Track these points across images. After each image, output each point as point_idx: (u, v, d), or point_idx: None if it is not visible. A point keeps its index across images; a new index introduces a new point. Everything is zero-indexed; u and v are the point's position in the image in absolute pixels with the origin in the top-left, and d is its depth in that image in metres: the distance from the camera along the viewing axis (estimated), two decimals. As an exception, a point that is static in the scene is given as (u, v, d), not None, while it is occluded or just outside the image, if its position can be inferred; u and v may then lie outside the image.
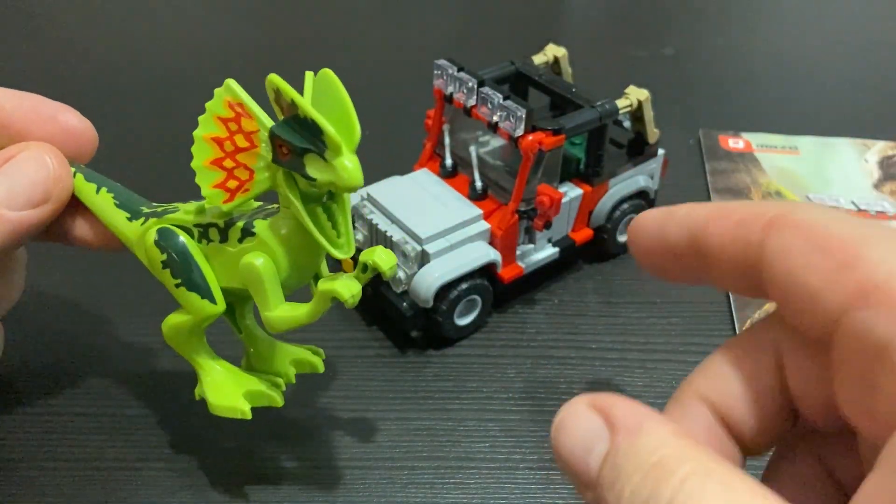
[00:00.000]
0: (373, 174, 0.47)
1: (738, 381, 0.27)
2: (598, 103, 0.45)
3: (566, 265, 0.50)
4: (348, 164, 0.27)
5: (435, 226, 0.43)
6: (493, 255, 0.43)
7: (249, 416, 0.33)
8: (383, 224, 0.44)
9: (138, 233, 0.34)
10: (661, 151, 0.50)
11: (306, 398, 0.41)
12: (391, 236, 0.43)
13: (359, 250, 0.43)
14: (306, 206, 0.29)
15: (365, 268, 0.30)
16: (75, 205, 0.36)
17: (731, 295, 0.47)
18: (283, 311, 0.31)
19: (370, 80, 0.71)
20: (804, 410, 0.25)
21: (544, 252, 0.46)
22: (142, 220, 0.34)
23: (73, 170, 0.35)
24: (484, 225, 0.44)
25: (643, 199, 0.51)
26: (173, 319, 0.34)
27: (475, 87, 0.44)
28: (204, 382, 0.34)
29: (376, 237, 0.44)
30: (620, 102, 0.46)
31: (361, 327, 0.46)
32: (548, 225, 0.44)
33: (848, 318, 0.21)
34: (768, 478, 0.28)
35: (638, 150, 0.49)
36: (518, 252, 0.46)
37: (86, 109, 0.37)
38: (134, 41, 0.79)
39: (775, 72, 0.75)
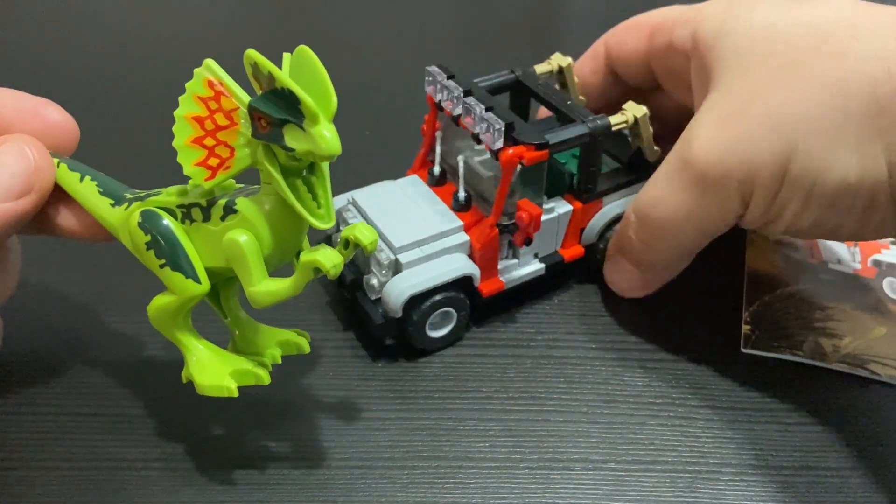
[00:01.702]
0: (372, 176, 0.48)
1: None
2: (590, 119, 0.44)
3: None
4: (326, 133, 0.27)
5: (411, 235, 0.42)
6: (469, 268, 0.42)
7: (236, 394, 0.33)
8: None
9: (122, 218, 0.34)
10: None
11: (306, 398, 0.41)
12: None
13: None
14: (287, 180, 0.29)
15: (347, 244, 0.31)
16: (60, 195, 0.36)
17: (744, 293, 0.47)
18: (266, 286, 0.31)
19: (370, 82, 0.71)
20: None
21: (528, 268, 0.45)
22: (125, 205, 0.34)
23: (55, 160, 0.35)
24: (463, 237, 0.43)
25: None
26: (158, 301, 0.34)
27: (461, 95, 0.43)
28: (190, 363, 0.34)
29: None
30: (615, 119, 0.45)
31: (361, 327, 0.46)
32: (527, 241, 0.43)
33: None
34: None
35: (638, 167, 0.47)
36: (500, 266, 0.44)
37: (66, 101, 0.37)
38: (113, 27, 0.79)
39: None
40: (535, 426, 0.40)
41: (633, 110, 0.45)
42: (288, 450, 0.39)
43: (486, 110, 0.41)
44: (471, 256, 0.43)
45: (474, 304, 0.44)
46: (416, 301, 0.42)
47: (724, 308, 0.47)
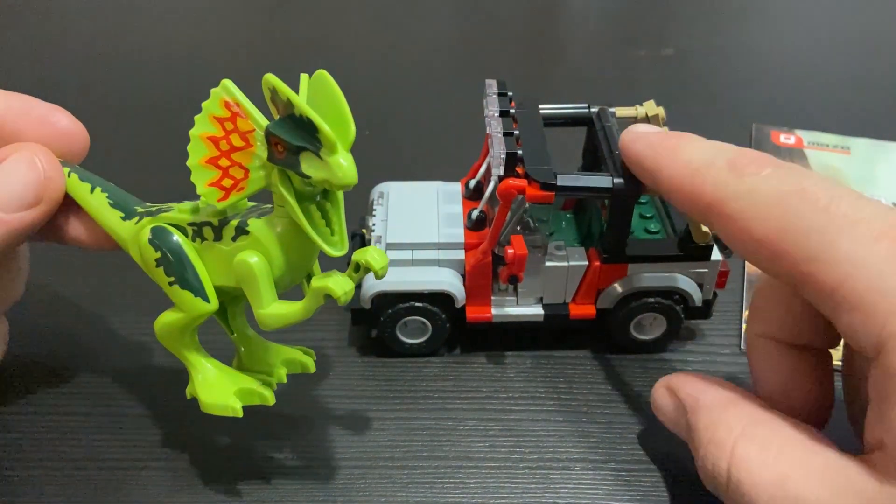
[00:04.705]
0: (371, 176, 0.48)
1: (776, 313, 0.34)
2: (621, 174, 0.38)
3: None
4: (343, 162, 0.27)
5: (409, 236, 0.42)
6: (450, 286, 0.41)
7: (241, 415, 0.33)
8: (376, 218, 0.44)
9: (132, 232, 0.34)
10: (716, 258, 0.42)
11: (307, 398, 0.41)
12: (372, 230, 0.43)
13: (361, 236, 0.44)
14: (300, 205, 0.29)
15: (357, 267, 0.30)
16: (70, 205, 0.36)
17: (744, 293, 0.47)
18: (276, 309, 0.31)
19: (371, 81, 0.71)
20: None
21: (526, 309, 0.43)
22: (136, 219, 0.34)
23: (66, 170, 0.35)
24: (460, 255, 0.42)
25: (680, 304, 0.43)
26: (166, 318, 0.34)
27: (494, 114, 0.42)
28: (195, 381, 0.34)
29: (365, 227, 0.45)
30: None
31: (361, 327, 0.46)
32: (512, 279, 0.40)
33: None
34: (845, 373, 0.35)
35: (685, 247, 0.41)
36: (494, 298, 0.43)
37: (76, 107, 0.37)
38: (129, 41, 0.79)
39: (778, 70, 0.75)
40: (535, 426, 0.40)
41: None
42: (288, 450, 0.39)
43: (504, 135, 0.40)
44: (464, 277, 0.43)
45: (461, 326, 0.43)
46: (388, 300, 0.42)
47: (725, 308, 0.47)
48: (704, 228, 0.40)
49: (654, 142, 0.34)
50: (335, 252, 0.30)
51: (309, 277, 0.34)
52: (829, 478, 0.28)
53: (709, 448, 0.31)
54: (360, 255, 0.30)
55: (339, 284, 0.30)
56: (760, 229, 0.29)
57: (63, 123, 0.36)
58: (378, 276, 0.31)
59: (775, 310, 0.34)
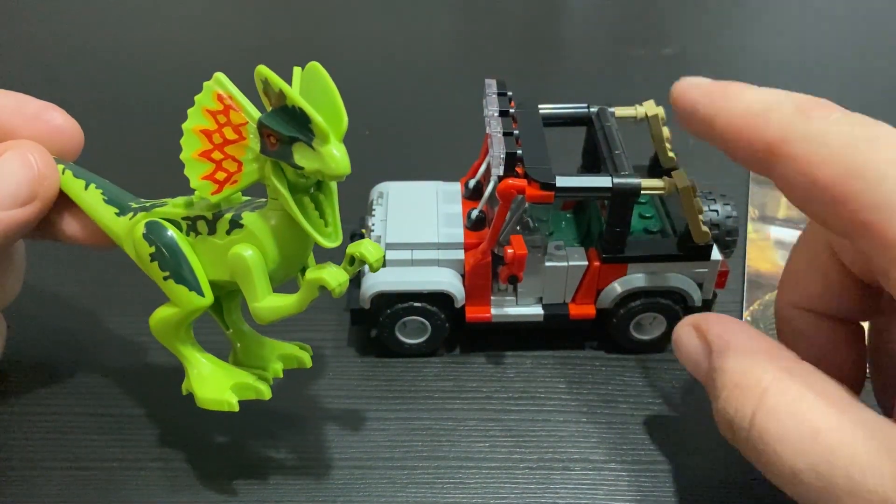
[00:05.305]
0: (370, 176, 0.48)
1: (813, 281, 0.34)
2: (620, 175, 0.39)
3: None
4: (336, 153, 0.27)
5: (408, 236, 0.42)
6: (449, 286, 0.41)
7: (237, 409, 0.33)
8: (376, 218, 0.44)
9: (127, 227, 0.34)
10: (716, 257, 0.42)
11: (307, 399, 0.41)
12: (371, 230, 0.43)
13: (361, 236, 0.44)
14: (294, 197, 0.29)
15: (352, 260, 0.31)
16: (64, 202, 0.36)
17: (744, 293, 0.47)
18: (270, 302, 0.31)
19: (370, 81, 0.71)
20: (871, 281, 0.32)
21: (525, 309, 0.43)
22: (130, 214, 0.34)
23: (60, 167, 0.35)
24: (460, 255, 0.42)
25: (680, 304, 0.43)
26: (161, 313, 0.34)
27: (494, 114, 0.42)
28: (191, 376, 0.34)
29: (365, 227, 0.45)
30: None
31: (361, 327, 0.46)
32: (512, 279, 0.41)
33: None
34: (875, 346, 0.34)
35: (684, 246, 0.41)
36: (494, 298, 0.43)
37: (70, 104, 0.37)
38: (123, 37, 0.79)
39: (778, 70, 0.75)
40: (535, 426, 0.40)
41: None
42: (287, 450, 0.39)
43: (504, 135, 0.40)
44: (463, 277, 0.43)
45: (461, 326, 0.43)
46: (387, 300, 0.42)
47: (725, 308, 0.47)
48: (704, 228, 0.40)
49: (710, 88, 0.33)
50: (329, 243, 0.30)
51: (304, 270, 0.34)
52: (866, 436, 0.26)
53: (734, 391, 0.29)
54: (354, 248, 0.31)
55: (334, 276, 0.30)
56: (826, 172, 0.27)
57: (57, 121, 0.36)
58: (373, 269, 0.31)
59: (814, 276, 0.33)
